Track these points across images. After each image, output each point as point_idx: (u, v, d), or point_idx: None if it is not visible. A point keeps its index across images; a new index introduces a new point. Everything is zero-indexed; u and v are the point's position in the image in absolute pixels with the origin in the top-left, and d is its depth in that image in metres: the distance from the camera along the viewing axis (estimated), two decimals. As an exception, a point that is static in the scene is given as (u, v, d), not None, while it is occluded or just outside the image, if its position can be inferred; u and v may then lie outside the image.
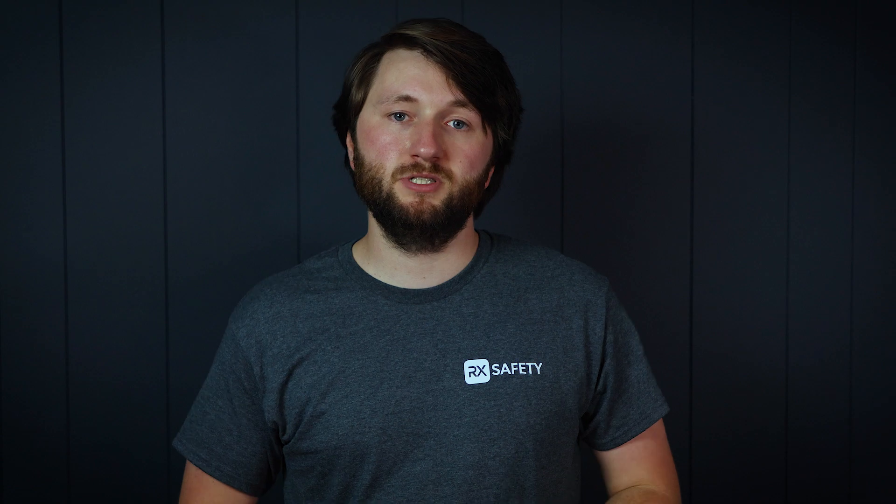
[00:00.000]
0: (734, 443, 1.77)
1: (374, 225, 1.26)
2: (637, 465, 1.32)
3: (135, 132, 1.65)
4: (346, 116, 1.28)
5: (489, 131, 1.23)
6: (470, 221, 1.28)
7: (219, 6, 1.66)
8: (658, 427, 1.34)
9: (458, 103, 1.19)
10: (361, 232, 1.33)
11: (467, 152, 1.20)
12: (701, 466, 1.76)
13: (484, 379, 1.22)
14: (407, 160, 1.18)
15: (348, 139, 1.28)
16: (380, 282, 1.26)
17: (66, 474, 1.66)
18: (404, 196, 1.18)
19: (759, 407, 1.78)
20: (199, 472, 1.30)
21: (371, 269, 1.28)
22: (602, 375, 1.28)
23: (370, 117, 1.22)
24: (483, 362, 1.22)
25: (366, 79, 1.24)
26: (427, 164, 1.17)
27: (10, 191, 1.64)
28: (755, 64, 1.75)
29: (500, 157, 1.28)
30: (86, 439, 1.66)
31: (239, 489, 1.29)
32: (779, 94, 1.75)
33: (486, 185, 1.27)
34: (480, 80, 1.20)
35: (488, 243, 1.32)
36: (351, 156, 1.28)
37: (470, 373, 1.22)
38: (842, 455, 1.79)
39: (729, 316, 1.77)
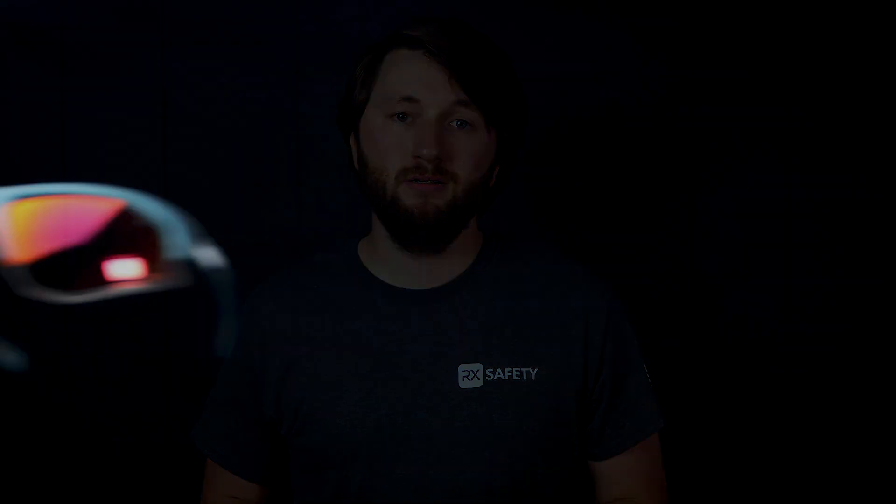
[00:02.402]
0: (735, 443, 1.77)
1: (378, 225, 1.25)
2: (627, 477, 1.28)
3: (135, 132, 1.65)
4: (349, 116, 1.27)
5: (493, 131, 1.21)
6: (473, 222, 1.27)
7: (219, 7, 1.66)
8: (653, 441, 1.31)
9: (460, 103, 1.17)
10: (361, 232, 1.33)
11: (471, 152, 1.18)
12: (701, 467, 1.76)
13: (477, 383, 1.20)
14: (410, 162, 1.17)
15: (352, 139, 1.27)
16: (380, 281, 1.26)
17: (67, 474, 1.66)
18: (408, 198, 1.17)
19: (760, 407, 1.77)
20: (211, 461, 1.32)
21: (374, 268, 1.27)
22: (599, 385, 1.26)
23: (373, 118, 1.21)
24: (477, 366, 1.21)
25: (368, 79, 1.22)
26: (430, 167, 1.16)
27: (11, 191, 1.64)
28: (753, 64, 1.74)
29: (505, 157, 1.26)
30: (86, 439, 1.66)
31: (249, 479, 1.31)
32: (777, 93, 1.75)
33: (492, 184, 1.26)
34: (483, 79, 1.18)
35: (493, 245, 1.30)
36: (355, 156, 1.26)
37: (464, 377, 1.20)
38: (841, 455, 1.79)
39: (729, 315, 1.77)
